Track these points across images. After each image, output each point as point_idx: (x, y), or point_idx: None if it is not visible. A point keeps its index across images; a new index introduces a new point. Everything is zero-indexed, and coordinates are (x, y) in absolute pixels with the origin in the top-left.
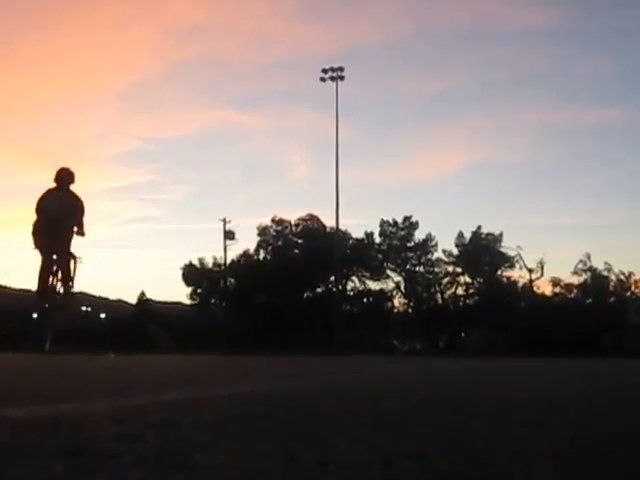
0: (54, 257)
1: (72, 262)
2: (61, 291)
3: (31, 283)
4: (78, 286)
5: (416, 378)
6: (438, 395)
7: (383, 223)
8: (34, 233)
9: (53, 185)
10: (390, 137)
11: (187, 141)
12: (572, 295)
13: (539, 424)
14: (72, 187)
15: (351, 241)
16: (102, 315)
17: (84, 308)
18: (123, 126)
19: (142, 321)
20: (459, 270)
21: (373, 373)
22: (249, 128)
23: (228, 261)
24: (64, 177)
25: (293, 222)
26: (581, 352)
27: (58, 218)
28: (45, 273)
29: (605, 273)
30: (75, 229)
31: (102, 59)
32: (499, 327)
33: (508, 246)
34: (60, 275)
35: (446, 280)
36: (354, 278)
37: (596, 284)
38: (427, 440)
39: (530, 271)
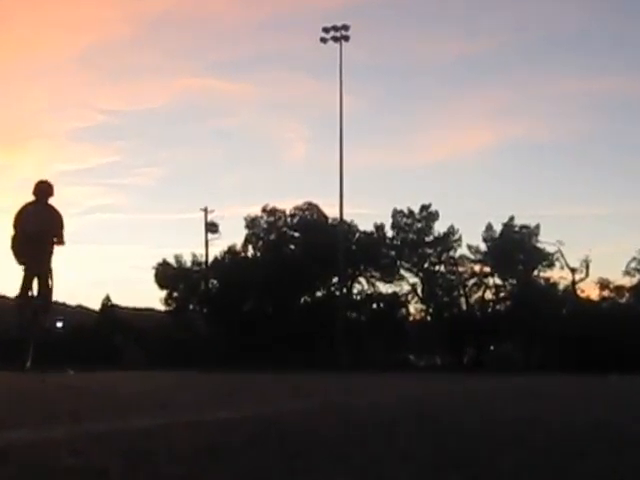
0: (35, 272)
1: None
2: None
3: None
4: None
5: (437, 399)
6: (463, 420)
7: (396, 213)
8: (13, 248)
9: (31, 198)
10: (404, 110)
11: (161, 115)
12: (623, 300)
13: (582, 453)
14: (51, 200)
15: (358, 235)
16: (59, 324)
17: None
18: (83, 97)
19: (107, 331)
20: (487, 270)
21: (385, 394)
22: (235, 99)
23: (210, 259)
24: (43, 190)
25: (288, 212)
26: (634, 367)
27: (37, 233)
28: (26, 289)
29: None
30: (55, 239)
31: (56, 16)
32: (536, 338)
33: (546, 241)
34: (39, 290)
35: (472, 282)
36: (361, 279)
37: None
38: (453, 477)
39: (573, 271)
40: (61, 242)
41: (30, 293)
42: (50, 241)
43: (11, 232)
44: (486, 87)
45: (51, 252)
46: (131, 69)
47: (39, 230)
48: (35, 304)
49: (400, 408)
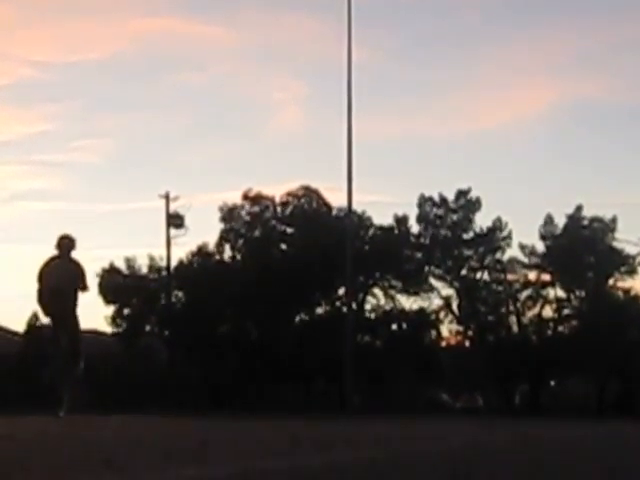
0: (62, 322)
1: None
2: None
3: None
4: None
5: (490, 456)
6: None
7: (423, 201)
8: (40, 302)
9: (55, 253)
10: (436, 61)
11: (107, 68)
12: None
13: None
14: (73, 253)
15: (372, 230)
16: None
17: None
18: (1, 44)
19: (34, 361)
20: (547, 278)
21: (411, 447)
22: (208, 46)
23: (173, 263)
24: (65, 245)
25: (278, 199)
26: None
27: (60, 287)
28: (55, 339)
29: None
30: (80, 289)
31: None
32: (612, 370)
33: (627, 239)
34: (70, 343)
35: (526, 294)
36: (377, 291)
37: None
38: None
39: None
40: (85, 289)
41: (60, 343)
42: (75, 293)
43: (37, 286)
44: (550, 30)
45: (75, 304)
46: (66, 6)
47: (62, 285)
48: (67, 355)
49: (436, 468)
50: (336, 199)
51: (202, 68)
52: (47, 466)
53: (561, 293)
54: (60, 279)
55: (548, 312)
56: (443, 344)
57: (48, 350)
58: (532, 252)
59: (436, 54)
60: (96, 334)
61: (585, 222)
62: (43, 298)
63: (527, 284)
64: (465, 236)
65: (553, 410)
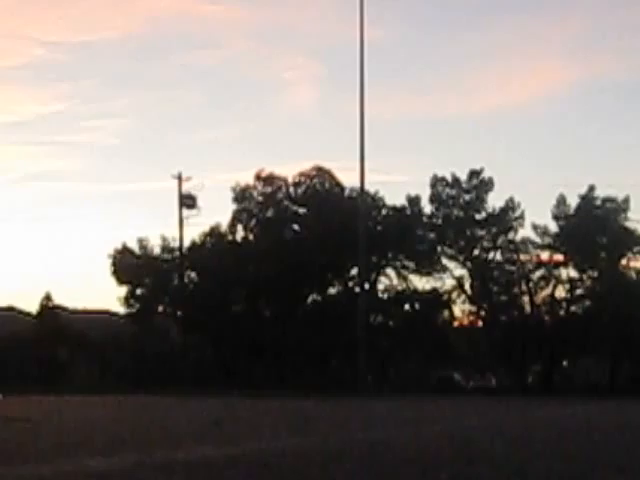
0: None
1: None
2: None
3: None
4: None
5: (497, 438)
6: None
7: (436, 181)
8: None
9: None
10: (450, 39)
11: (120, 48)
12: None
13: None
14: None
15: (385, 211)
16: None
17: None
18: (15, 24)
19: (47, 342)
20: (559, 258)
21: (425, 429)
22: (221, 25)
23: (186, 244)
24: None
25: (290, 180)
26: None
27: None
28: None
29: None
30: None
31: None
32: (624, 350)
33: (638, 219)
34: None
35: (538, 274)
36: (390, 271)
37: None
38: None
39: None
40: None
41: None
42: None
43: None
44: (565, 7)
45: None
46: None
47: None
48: None
49: (451, 448)
50: (349, 179)
51: (216, 47)
52: (62, 445)
53: (574, 273)
54: None
55: (561, 292)
56: (456, 324)
57: None
58: (545, 232)
59: (451, 33)
60: (108, 315)
61: (598, 202)
62: None
63: (540, 264)
64: (478, 216)
65: (566, 390)
